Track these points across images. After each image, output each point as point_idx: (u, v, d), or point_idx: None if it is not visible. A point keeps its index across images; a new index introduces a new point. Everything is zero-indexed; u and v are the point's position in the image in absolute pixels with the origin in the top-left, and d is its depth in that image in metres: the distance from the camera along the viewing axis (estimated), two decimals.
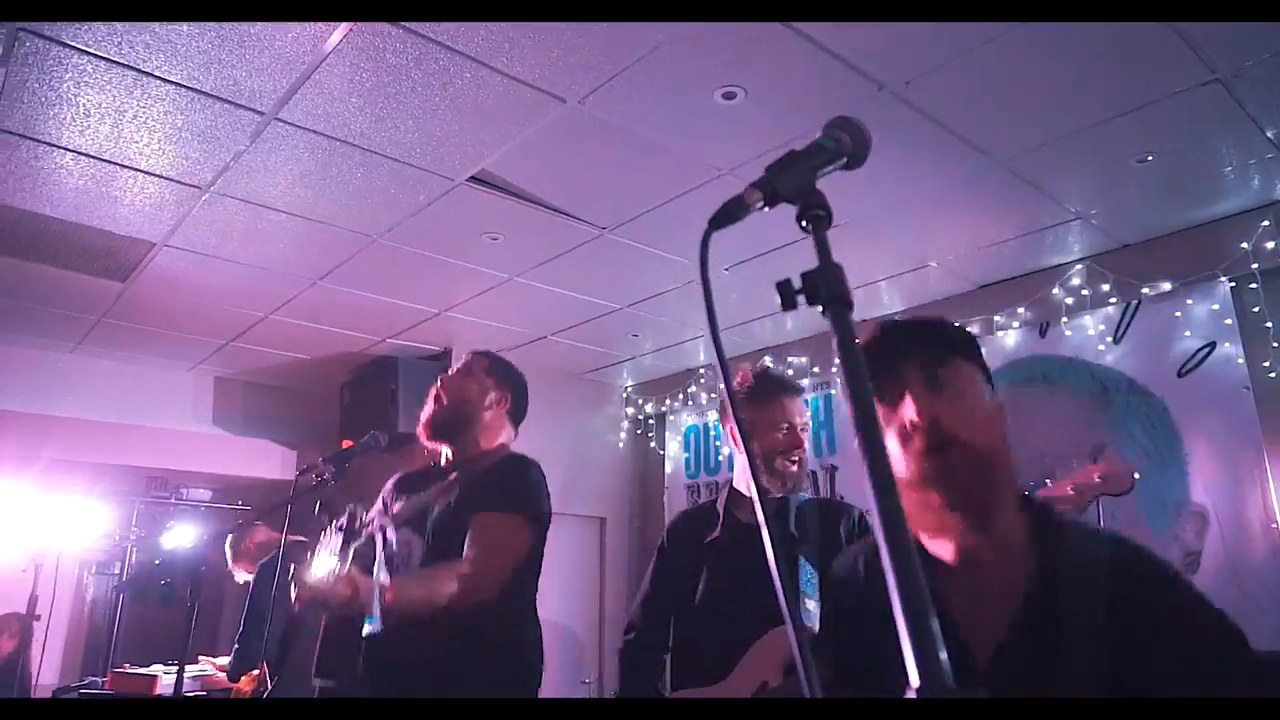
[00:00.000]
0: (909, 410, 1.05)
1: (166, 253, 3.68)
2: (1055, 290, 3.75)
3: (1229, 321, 3.28)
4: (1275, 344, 3.15)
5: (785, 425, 2.04)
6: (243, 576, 3.79)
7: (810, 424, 2.13)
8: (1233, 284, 3.30)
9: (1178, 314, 3.43)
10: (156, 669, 3.71)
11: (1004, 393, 4.10)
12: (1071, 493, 2.05)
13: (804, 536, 2.01)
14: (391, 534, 2.10)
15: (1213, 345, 3.31)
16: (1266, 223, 3.21)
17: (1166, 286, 3.46)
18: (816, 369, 4.73)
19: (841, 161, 0.86)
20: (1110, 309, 3.63)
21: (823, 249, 0.72)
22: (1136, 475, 2.01)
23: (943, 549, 1.08)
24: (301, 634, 3.31)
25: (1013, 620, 1.03)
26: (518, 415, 2.27)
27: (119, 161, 2.97)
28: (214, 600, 6.48)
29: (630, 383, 5.79)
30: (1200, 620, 1.00)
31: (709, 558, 2.08)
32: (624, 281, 4.12)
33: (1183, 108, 2.63)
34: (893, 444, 1.05)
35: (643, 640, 2.18)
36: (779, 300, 0.70)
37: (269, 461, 5.56)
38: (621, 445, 5.66)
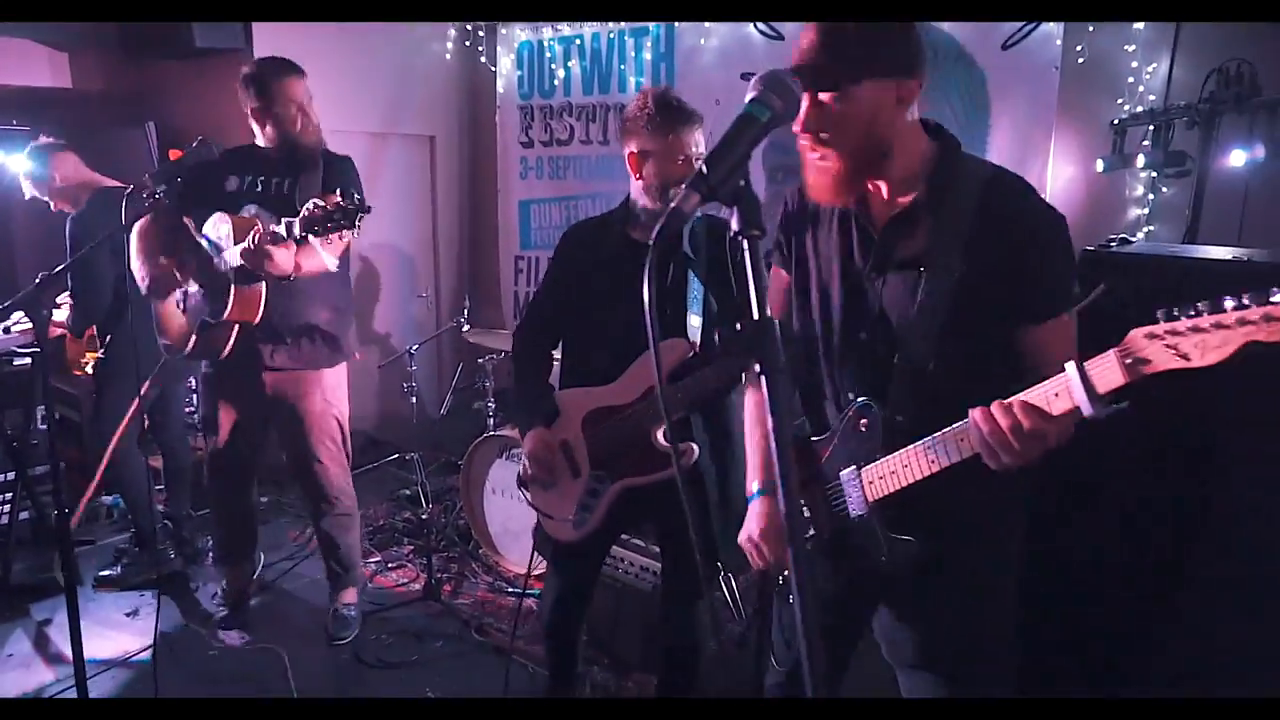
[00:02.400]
0: None
1: None
2: None
3: None
4: (1091, 27, 3.33)
5: (682, 157, 2.11)
6: (53, 204, 3.53)
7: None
8: None
9: None
10: None
11: None
12: None
13: (696, 254, 2.16)
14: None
15: (1038, 22, 3.45)
16: None
17: None
18: None
19: (775, 127, 0.88)
20: None
21: (757, 269, 0.79)
22: None
23: None
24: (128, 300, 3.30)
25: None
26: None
27: None
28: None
29: None
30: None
31: (603, 271, 2.21)
32: None
33: None
34: None
35: (531, 336, 2.40)
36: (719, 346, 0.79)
37: (32, 65, 4.80)
38: (449, 58, 5.29)
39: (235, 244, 2.65)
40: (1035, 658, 2.17)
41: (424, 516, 4.08)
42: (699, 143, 2.14)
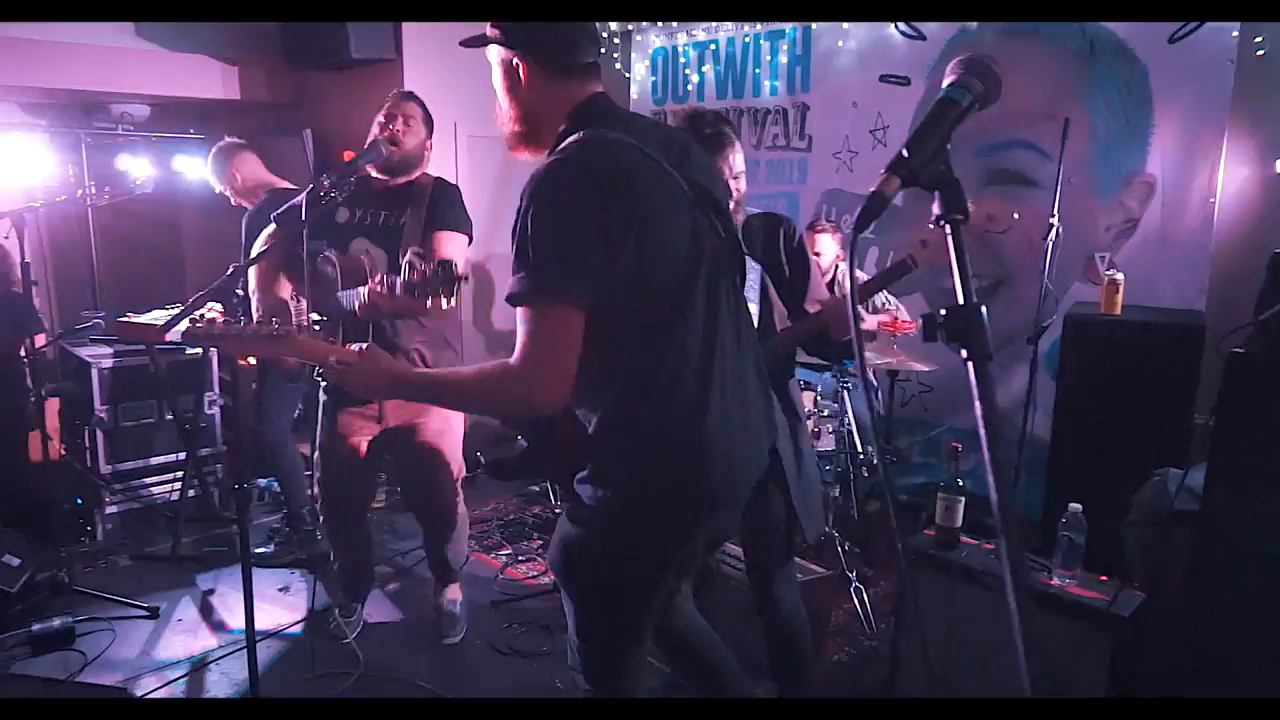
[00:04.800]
0: None
1: None
2: None
3: None
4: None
5: (731, 178, 2.20)
6: (234, 199, 3.79)
7: (745, 170, 2.28)
8: None
9: None
10: (157, 315, 3.89)
11: (989, 42, 4.00)
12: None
13: (750, 248, 2.23)
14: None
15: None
16: None
17: None
18: None
19: (977, 110, 0.86)
20: None
21: (961, 256, 0.77)
22: (1016, 215, 2.19)
23: None
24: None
25: None
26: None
27: None
28: (173, 240, 6.48)
29: None
30: None
31: None
32: None
33: None
34: None
35: None
36: (922, 331, 0.78)
37: (208, 79, 5.19)
38: None
39: (343, 287, 2.65)
40: None
41: (556, 511, 4.17)
42: (735, 164, 2.22)
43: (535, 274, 1.44)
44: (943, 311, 0.75)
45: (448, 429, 3.06)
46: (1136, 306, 3.30)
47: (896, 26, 4.10)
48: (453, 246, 2.82)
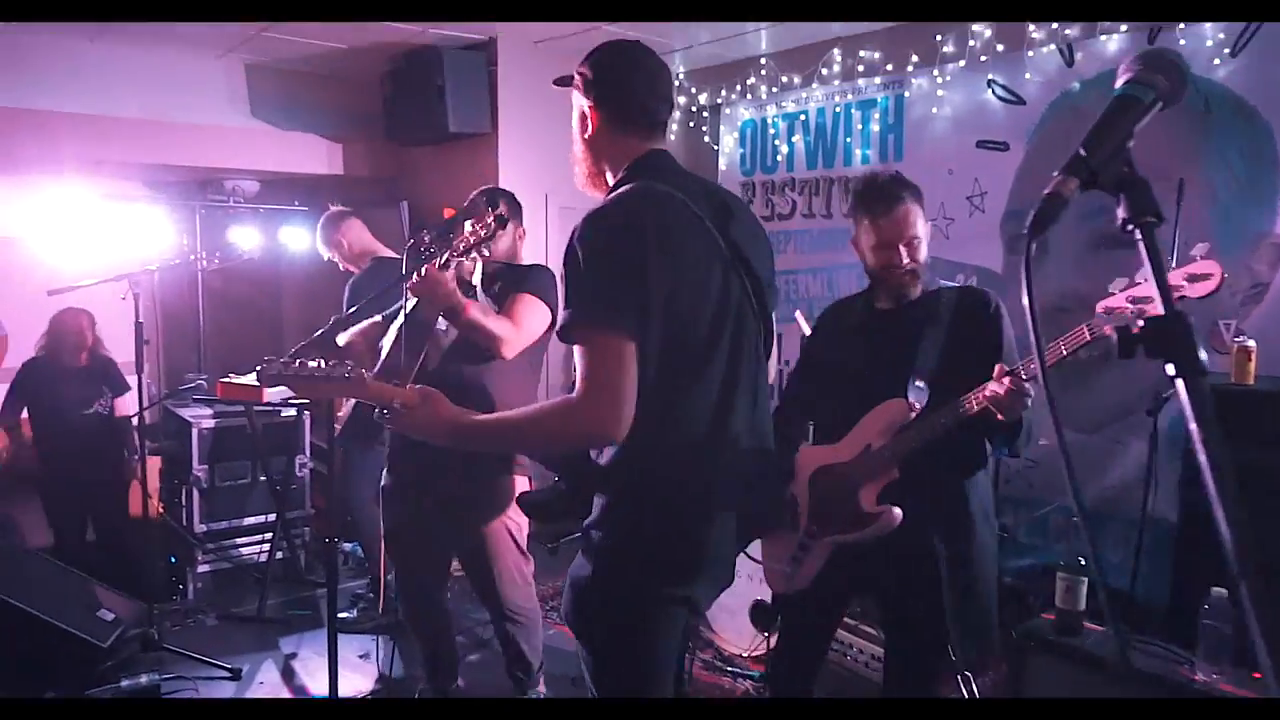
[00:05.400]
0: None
1: None
2: None
3: None
4: None
5: (880, 240, 2.14)
6: (341, 264, 3.90)
7: (922, 237, 2.15)
8: None
9: None
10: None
11: (1094, 103, 3.88)
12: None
13: (936, 321, 2.14)
14: None
15: None
16: None
17: None
18: (890, 66, 4.43)
19: (1159, 109, 0.77)
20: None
21: (1156, 261, 0.68)
22: (1225, 275, 1.96)
23: None
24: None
25: None
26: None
27: None
28: (273, 305, 6.75)
29: (683, 70, 5.46)
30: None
31: (851, 336, 2.30)
32: None
33: None
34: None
35: (784, 412, 2.40)
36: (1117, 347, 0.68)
37: (314, 156, 5.45)
38: (673, 138, 5.48)
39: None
40: None
41: None
42: (910, 226, 2.12)
43: (583, 306, 1.50)
44: (1139, 322, 0.65)
45: (504, 524, 2.78)
46: (1270, 377, 3.05)
47: (994, 91, 4.02)
48: (528, 309, 2.65)
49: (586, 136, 1.72)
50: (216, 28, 4.50)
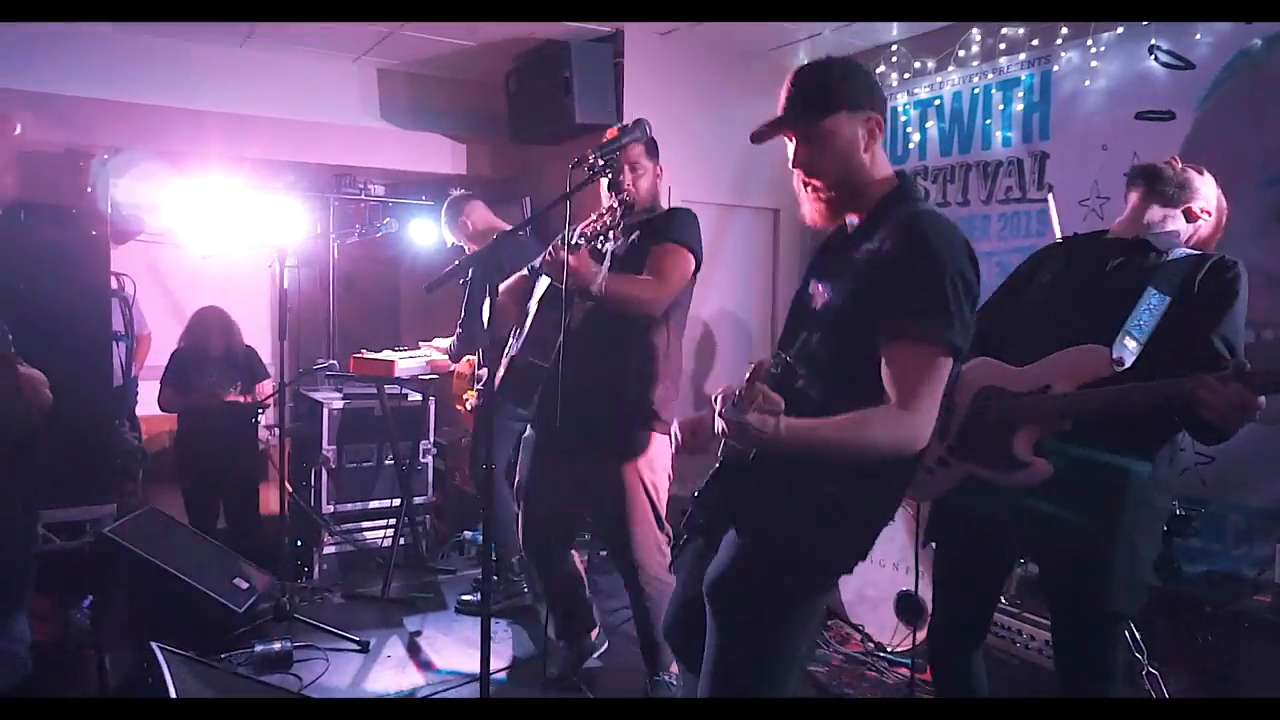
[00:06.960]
0: None
1: None
2: None
3: None
4: None
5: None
6: (466, 246, 3.92)
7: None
8: None
9: None
10: (389, 353, 4.03)
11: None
12: None
13: (1166, 282, 1.94)
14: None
15: None
16: None
17: None
18: (1035, 41, 4.21)
19: None
20: None
21: None
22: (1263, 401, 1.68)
23: None
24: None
25: None
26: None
27: None
28: (391, 294, 6.93)
29: (807, 62, 5.35)
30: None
31: (1051, 269, 2.14)
32: None
33: None
34: None
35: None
36: None
37: (439, 156, 5.57)
38: None
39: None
40: None
41: None
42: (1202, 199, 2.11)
43: (946, 323, 1.48)
44: None
45: (642, 484, 2.71)
46: None
47: (1157, 58, 3.76)
48: (673, 260, 2.66)
49: (867, 151, 1.65)
50: (353, 29, 4.66)
